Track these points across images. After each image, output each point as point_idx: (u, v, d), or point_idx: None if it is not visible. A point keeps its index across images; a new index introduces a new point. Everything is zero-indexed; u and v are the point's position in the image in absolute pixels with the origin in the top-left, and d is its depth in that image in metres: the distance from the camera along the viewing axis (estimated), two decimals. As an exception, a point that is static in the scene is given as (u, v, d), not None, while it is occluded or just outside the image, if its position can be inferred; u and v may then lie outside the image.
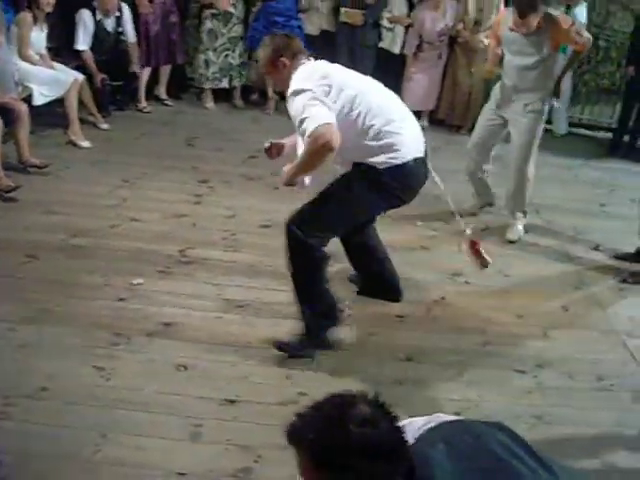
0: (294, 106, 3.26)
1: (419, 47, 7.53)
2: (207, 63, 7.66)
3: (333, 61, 3.61)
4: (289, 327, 3.77)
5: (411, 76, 7.61)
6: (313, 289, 3.57)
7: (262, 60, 3.58)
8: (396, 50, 7.70)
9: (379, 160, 3.39)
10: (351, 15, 7.36)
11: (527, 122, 4.89)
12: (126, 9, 6.98)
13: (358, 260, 4.07)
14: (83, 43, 6.74)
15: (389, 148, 3.38)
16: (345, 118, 3.30)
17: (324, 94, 3.25)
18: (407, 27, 7.58)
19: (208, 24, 7.53)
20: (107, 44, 6.87)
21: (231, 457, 2.84)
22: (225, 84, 7.82)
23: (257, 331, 3.76)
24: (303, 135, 3.23)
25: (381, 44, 7.68)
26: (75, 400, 3.18)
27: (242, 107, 7.98)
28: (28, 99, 5.98)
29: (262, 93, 8.04)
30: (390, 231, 4.33)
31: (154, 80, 7.69)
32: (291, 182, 3.49)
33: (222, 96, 7.95)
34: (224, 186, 5.43)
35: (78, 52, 6.77)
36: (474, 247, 3.85)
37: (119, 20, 6.92)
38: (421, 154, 3.52)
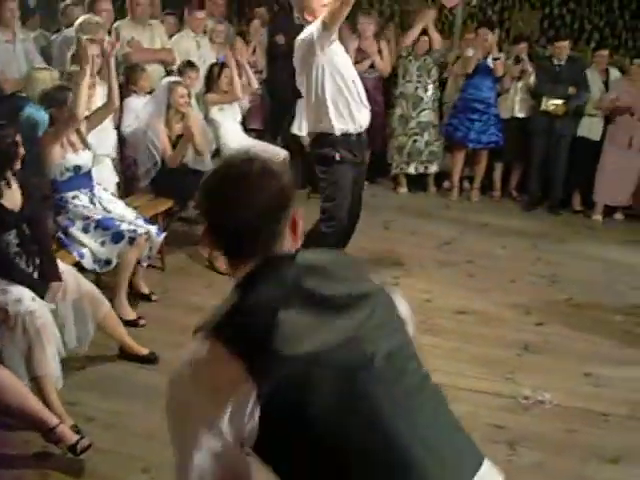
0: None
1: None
2: (398, 148, 7.81)
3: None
4: (487, 415, 3.74)
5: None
6: None
7: None
8: (596, 137, 7.37)
9: None
10: (553, 105, 7.11)
11: None
12: None
13: None
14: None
15: None
16: None
17: None
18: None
19: (398, 110, 7.73)
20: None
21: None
22: (412, 169, 7.84)
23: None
24: None
25: (579, 132, 7.39)
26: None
27: (434, 194, 8.02)
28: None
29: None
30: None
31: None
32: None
33: (417, 181, 8.01)
34: (419, 269, 5.50)
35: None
36: None
37: None
38: None
